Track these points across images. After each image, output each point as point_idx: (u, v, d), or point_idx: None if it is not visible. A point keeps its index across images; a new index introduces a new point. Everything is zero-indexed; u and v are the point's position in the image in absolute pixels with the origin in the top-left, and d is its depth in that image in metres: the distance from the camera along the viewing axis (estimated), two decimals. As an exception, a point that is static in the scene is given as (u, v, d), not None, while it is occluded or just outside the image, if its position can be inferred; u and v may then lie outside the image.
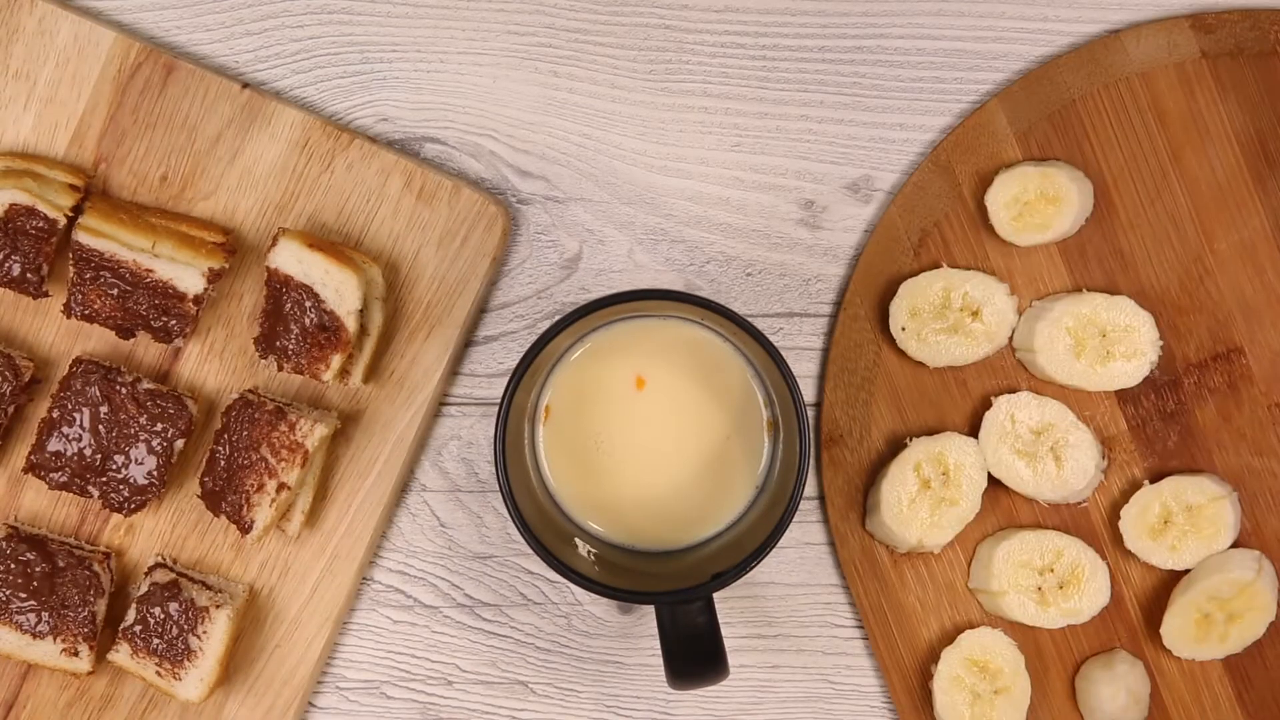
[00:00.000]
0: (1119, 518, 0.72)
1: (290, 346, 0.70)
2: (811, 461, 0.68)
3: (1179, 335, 0.73)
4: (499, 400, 0.64)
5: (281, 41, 0.75)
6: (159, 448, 0.70)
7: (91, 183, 0.73)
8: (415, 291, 0.73)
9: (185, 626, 0.70)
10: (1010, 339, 0.73)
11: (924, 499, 0.71)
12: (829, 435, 0.74)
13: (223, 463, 0.70)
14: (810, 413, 0.74)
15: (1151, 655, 0.73)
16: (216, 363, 0.73)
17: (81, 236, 0.69)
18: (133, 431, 0.70)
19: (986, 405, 0.73)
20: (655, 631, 0.74)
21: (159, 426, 0.70)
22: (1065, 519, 0.74)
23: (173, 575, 0.71)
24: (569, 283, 0.75)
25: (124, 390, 0.70)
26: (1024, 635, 0.73)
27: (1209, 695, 0.73)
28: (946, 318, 0.72)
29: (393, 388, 0.73)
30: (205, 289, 0.69)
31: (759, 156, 0.75)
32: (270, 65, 0.75)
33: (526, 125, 0.75)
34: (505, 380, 0.65)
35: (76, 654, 0.70)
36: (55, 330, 0.74)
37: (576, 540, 0.68)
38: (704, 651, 0.65)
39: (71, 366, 0.70)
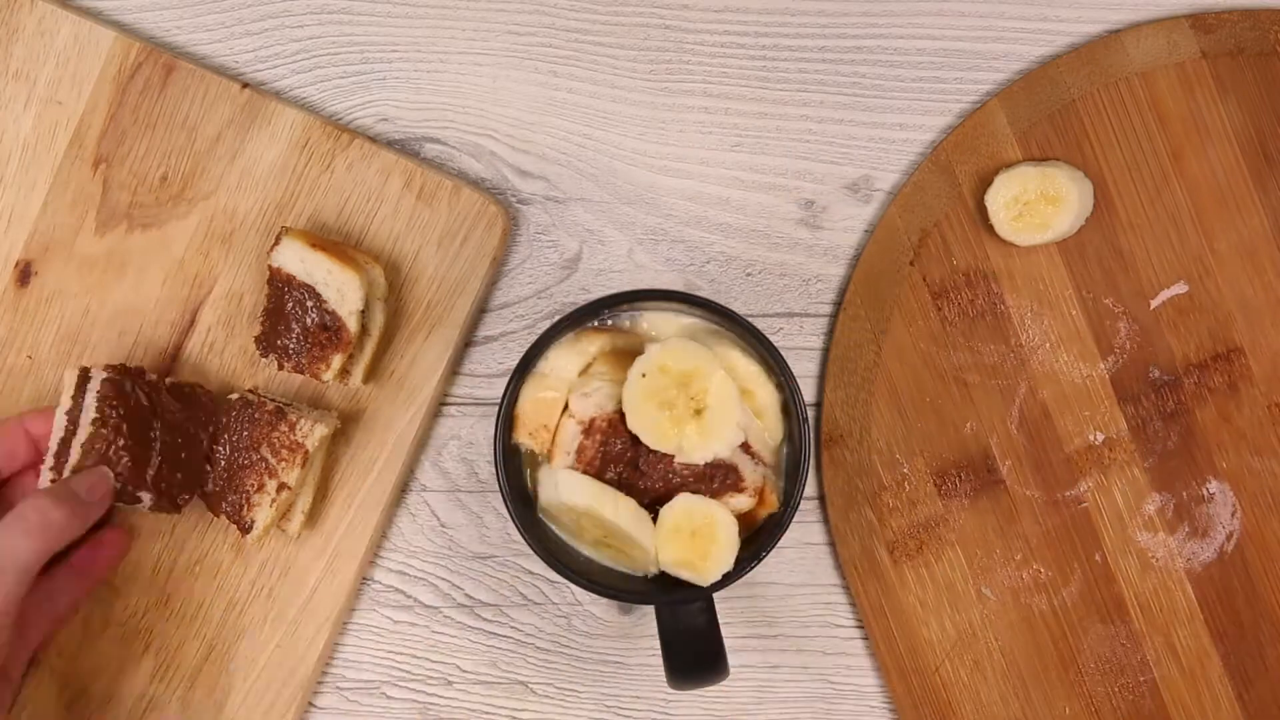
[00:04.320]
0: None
1: (291, 346, 0.70)
2: (812, 461, 0.68)
3: (1179, 335, 0.73)
4: (499, 400, 0.64)
5: (281, 41, 0.75)
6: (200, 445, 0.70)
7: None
8: (415, 291, 0.73)
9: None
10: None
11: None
12: (829, 435, 0.74)
13: (223, 463, 0.70)
14: (810, 413, 0.74)
15: (1153, 656, 0.73)
16: (217, 362, 0.73)
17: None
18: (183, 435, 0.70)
19: (988, 405, 0.73)
20: (655, 631, 0.74)
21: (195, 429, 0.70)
22: (1065, 518, 0.74)
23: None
24: (569, 283, 0.75)
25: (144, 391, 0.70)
26: (1019, 616, 0.73)
27: (1209, 695, 0.73)
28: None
29: (393, 388, 0.73)
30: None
31: (759, 156, 0.75)
32: (270, 65, 0.75)
33: (526, 125, 0.75)
34: (505, 380, 0.65)
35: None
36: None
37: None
38: (704, 651, 0.65)
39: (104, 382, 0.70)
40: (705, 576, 0.64)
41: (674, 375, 0.63)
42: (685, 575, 0.64)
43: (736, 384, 0.64)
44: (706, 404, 0.63)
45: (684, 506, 0.64)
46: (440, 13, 0.75)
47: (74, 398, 0.68)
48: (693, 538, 0.64)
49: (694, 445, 0.63)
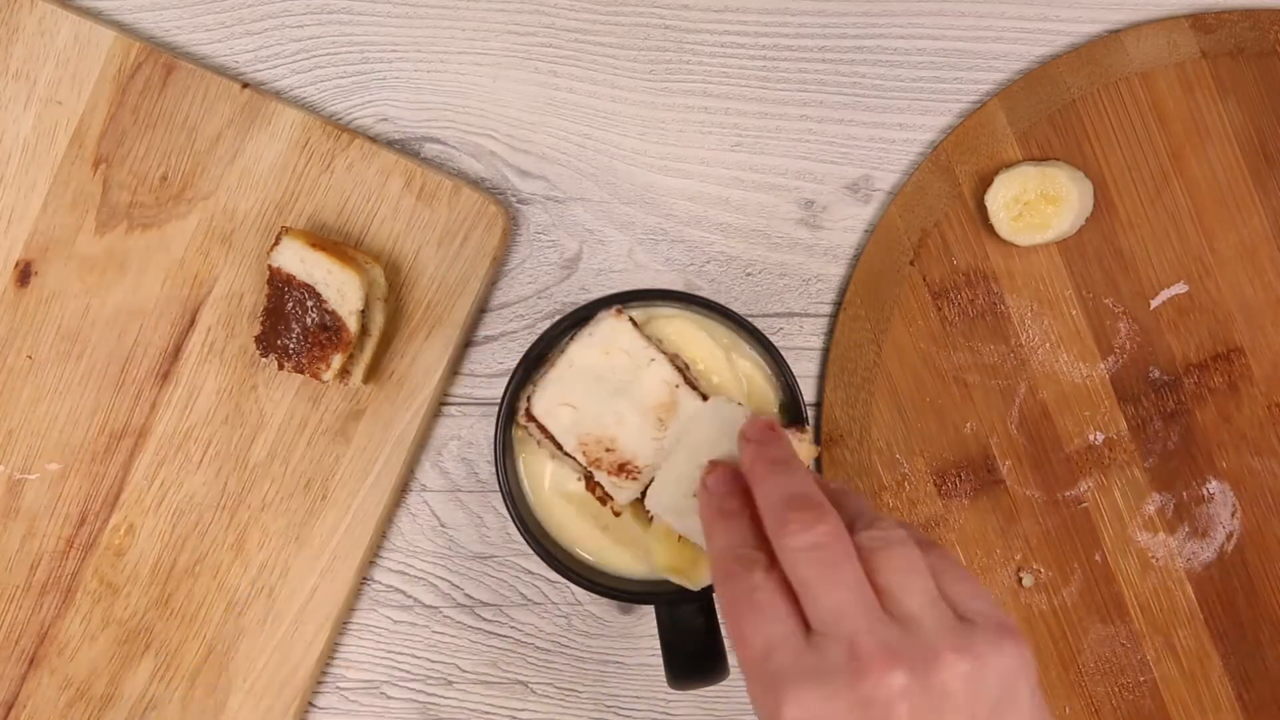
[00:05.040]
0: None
1: (291, 346, 0.70)
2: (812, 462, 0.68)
3: (1179, 335, 0.73)
4: (499, 400, 0.64)
5: (281, 41, 0.75)
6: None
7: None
8: (415, 291, 0.73)
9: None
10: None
11: None
12: (829, 435, 0.74)
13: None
14: (810, 413, 0.74)
15: (1153, 656, 0.73)
16: (216, 362, 0.73)
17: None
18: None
19: (988, 405, 0.73)
20: (655, 631, 0.74)
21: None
22: (1065, 518, 0.74)
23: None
24: (569, 283, 0.75)
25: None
26: (1019, 616, 0.73)
27: (1209, 695, 0.73)
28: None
29: (393, 388, 0.73)
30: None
31: (759, 156, 0.75)
32: (270, 65, 0.75)
33: (526, 125, 0.75)
34: (505, 380, 0.65)
35: None
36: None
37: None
38: (704, 651, 0.65)
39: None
40: (696, 582, 0.64)
41: None
42: (677, 580, 0.64)
43: (736, 382, 0.64)
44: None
45: None
46: (440, 13, 0.75)
47: None
48: (682, 542, 0.63)
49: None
